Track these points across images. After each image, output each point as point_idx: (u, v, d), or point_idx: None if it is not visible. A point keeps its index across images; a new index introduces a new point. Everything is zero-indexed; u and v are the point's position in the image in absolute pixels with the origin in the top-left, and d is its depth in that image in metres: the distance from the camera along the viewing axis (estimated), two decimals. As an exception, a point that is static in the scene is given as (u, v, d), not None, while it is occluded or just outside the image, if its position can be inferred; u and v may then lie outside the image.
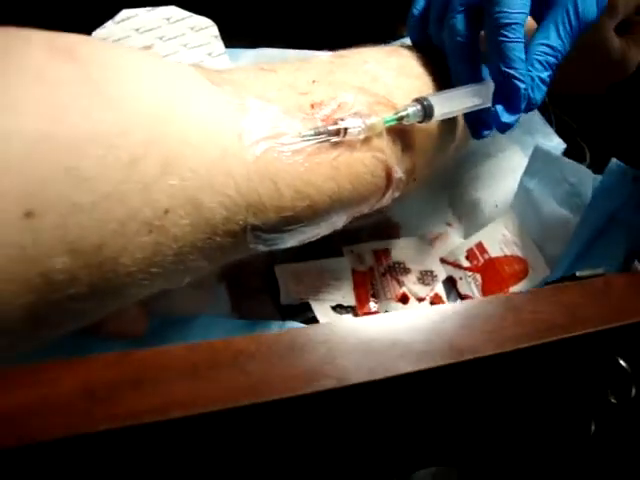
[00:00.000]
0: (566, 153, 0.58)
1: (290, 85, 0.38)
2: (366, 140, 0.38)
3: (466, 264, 0.53)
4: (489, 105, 0.42)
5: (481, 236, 0.53)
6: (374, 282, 0.51)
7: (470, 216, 0.56)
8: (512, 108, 0.42)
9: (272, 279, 0.49)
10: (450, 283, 0.53)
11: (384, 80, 0.42)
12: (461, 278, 0.52)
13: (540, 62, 0.42)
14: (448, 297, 0.52)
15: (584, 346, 0.31)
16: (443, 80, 0.45)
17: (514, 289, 0.50)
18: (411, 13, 0.48)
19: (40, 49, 0.28)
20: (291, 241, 0.38)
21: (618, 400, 0.32)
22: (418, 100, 0.39)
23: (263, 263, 0.50)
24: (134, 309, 0.40)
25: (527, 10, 0.41)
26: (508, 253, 0.52)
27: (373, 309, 0.49)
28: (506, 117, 0.42)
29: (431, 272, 0.52)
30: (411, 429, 0.34)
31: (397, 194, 0.43)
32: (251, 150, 0.33)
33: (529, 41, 0.43)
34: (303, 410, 0.25)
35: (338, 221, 0.40)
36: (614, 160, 0.47)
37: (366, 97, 0.40)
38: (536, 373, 0.33)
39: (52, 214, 0.25)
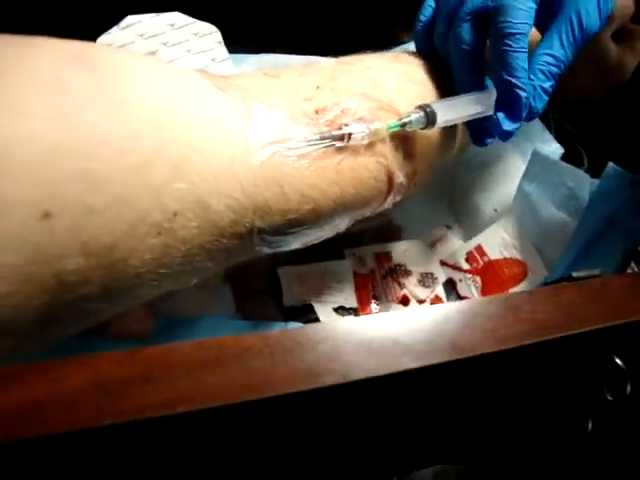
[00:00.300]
0: (564, 158, 0.58)
1: (294, 91, 0.39)
2: (369, 145, 0.39)
3: (466, 267, 0.54)
4: (491, 113, 0.43)
5: (481, 239, 0.54)
6: (375, 284, 0.52)
7: (470, 219, 0.57)
8: (513, 116, 0.43)
9: (275, 281, 0.50)
10: (450, 285, 0.54)
11: (386, 86, 0.43)
12: (461, 280, 0.53)
13: (543, 72, 0.43)
14: (448, 299, 0.53)
15: (581, 345, 0.32)
16: (445, 87, 0.46)
17: (513, 291, 0.51)
18: (418, 19, 0.49)
19: (53, 56, 0.29)
20: (295, 243, 0.39)
21: (614, 397, 0.33)
22: (421, 107, 0.40)
23: (266, 265, 0.50)
24: (140, 309, 0.40)
25: (531, 21, 0.42)
26: (507, 256, 0.53)
27: (374, 311, 0.50)
28: (507, 125, 0.43)
29: (431, 274, 0.53)
30: (412, 427, 0.35)
31: (398, 198, 0.43)
32: (257, 155, 0.34)
33: (533, 51, 0.44)
34: (308, 406, 0.26)
35: (341, 224, 0.41)
36: (611, 164, 0.47)
37: (369, 103, 0.40)
38: (535, 371, 0.34)
39: (67, 215, 0.26)
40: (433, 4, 0.49)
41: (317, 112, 0.38)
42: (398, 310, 0.49)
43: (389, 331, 0.27)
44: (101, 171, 0.27)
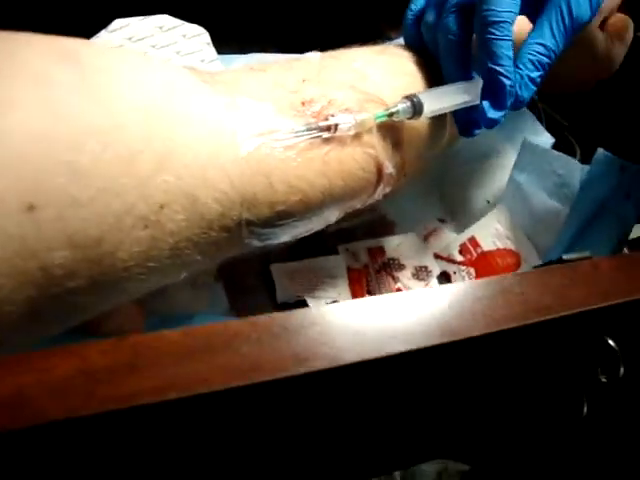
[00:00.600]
0: (555, 149, 0.58)
1: (280, 84, 0.39)
2: (357, 136, 0.39)
3: (460, 258, 0.54)
4: (478, 102, 0.43)
5: (474, 230, 0.54)
6: (369, 279, 0.52)
7: (462, 212, 0.57)
8: (498, 104, 0.43)
9: (268, 278, 0.50)
10: (444, 278, 0.54)
11: (373, 78, 0.43)
12: (455, 272, 0.53)
13: (532, 62, 0.43)
14: (443, 292, 0.53)
15: (573, 327, 0.32)
16: (433, 79, 0.46)
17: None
18: (409, 9, 0.49)
19: (38, 51, 0.29)
20: (284, 236, 0.39)
21: (608, 379, 0.33)
22: (408, 97, 0.40)
23: (259, 262, 0.50)
24: (131, 307, 0.40)
25: (516, 9, 0.42)
26: (501, 246, 0.53)
27: (369, 305, 0.50)
28: (492, 113, 0.43)
29: (425, 267, 0.53)
30: (407, 416, 0.35)
31: (388, 189, 0.43)
32: (244, 146, 0.34)
33: (523, 40, 0.44)
34: (297, 392, 0.26)
35: (330, 216, 0.41)
36: (601, 150, 0.47)
37: (356, 95, 0.40)
38: (527, 354, 0.34)
39: (52, 207, 0.26)
40: None
41: (304, 104, 0.38)
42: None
43: (378, 315, 0.27)
44: (86, 163, 0.27)
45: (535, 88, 0.44)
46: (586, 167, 0.49)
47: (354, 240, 0.54)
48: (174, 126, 0.31)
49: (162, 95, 0.32)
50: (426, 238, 0.56)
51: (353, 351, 0.25)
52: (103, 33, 0.54)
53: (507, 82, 0.42)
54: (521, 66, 0.43)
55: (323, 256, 0.52)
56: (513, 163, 0.55)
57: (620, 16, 0.54)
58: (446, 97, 0.42)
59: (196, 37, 0.58)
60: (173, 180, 0.31)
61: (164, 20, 0.57)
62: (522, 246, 0.52)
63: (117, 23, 0.55)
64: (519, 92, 0.43)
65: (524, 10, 0.44)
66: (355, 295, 0.50)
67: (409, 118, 0.40)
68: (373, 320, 0.27)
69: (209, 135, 0.33)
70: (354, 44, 0.47)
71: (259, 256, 0.50)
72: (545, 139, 0.59)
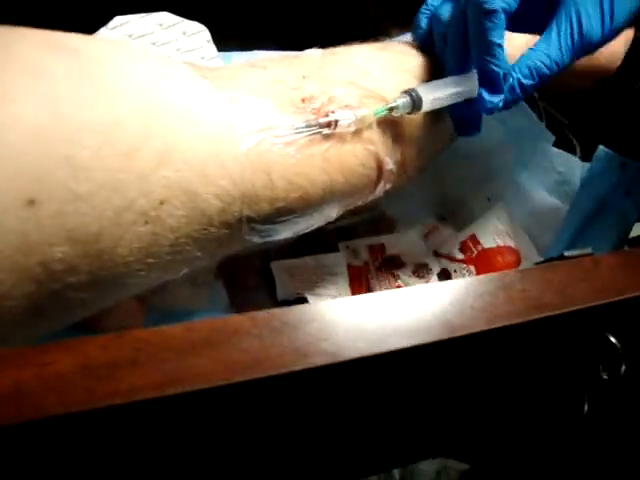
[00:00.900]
0: (556, 147, 0.58)
1: (281, 81, 0.39)
2: (357, 132, 0.39)
3: (460, 256, 0.53)
4: (475, 94, 0.43)
5: (474, 228, 0.54)
6: (369, 276, 0.52)
7: (463, 209, 0.57)
8: (494, 89, 0.42)
9: (268, 275, 0.50)
10: (444, 276, 0.54)
11: (374, 75, 0.43)
12: (455, 270, 0.53)
13: (529, 68, 0.42)
14: (443, 289, 0.53)
15: (574, 323, 0.32)
16: (434, 76, 0.46)
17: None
18: (425, 4, 0.49)
19: (36, 45, 0.29)
20: (285, 232, 0.39)
21: (610, 376, 0.33)
22: (407, 92, 0.40)
23: (259, 259, 0.50)
24: (131, 304, 0.40)
25: (512, 2, 0.41)
26: (501, 244, 0.52)
27: (369, 303, 0.50)
28: (489, 97, 0.42)
29: (426, 265, 0.53)
30: (408, 412, 0.35)
31: (389, 186, 0.43)
32: (244, 142, 0.34)
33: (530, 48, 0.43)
34: (298, 387, 0.26)
35: (331, 212, 0.41)
36: (601, 147, 0.47)
37: (356, 91, 0.40)
38: (528, 351, 0.34)
39: (53, 202, 0.26)
40: None
41: (304, 101, 0.38)
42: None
43: (378, 311, 0.27)
44: (86, 158, 0.27)
45: (521, 95, 0.43)
46: (586, 164, 0.49)
47: (354, 237, 0.54)
48: (174, 122, 0.31)
49: (162, 90, 0.32)
50: (426, 236, 0.56)
51: (353, 347, 0.25)
52: (103, 30, 0.54)
53: (499, 70, 0.42)
54: (516, 69, 0.43)
55: (323, 253, 0.52)
56: (513, 161, 0.55)
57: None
58: (444, 89, 0.42)
59: (196, 34, 0.58)
60: (173, 176, 0.31)
61: (164, 17, 0.57)
62: (522, 243, 0.52)
63: (117, 20, 0.55)
64: (512, 81, 0.43)
65: (531, 14, 0.44)
66: (355, 292, 0.50)
67: (409, 113, 0.40)
68: (374, 316, 0.27)
69: (209, 131, 0.33)
70: (355, 41, 0.47)
71: (259, 254, 0.50)
72: (545, 137, 0.59)
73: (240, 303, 0.48)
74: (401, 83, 0.44)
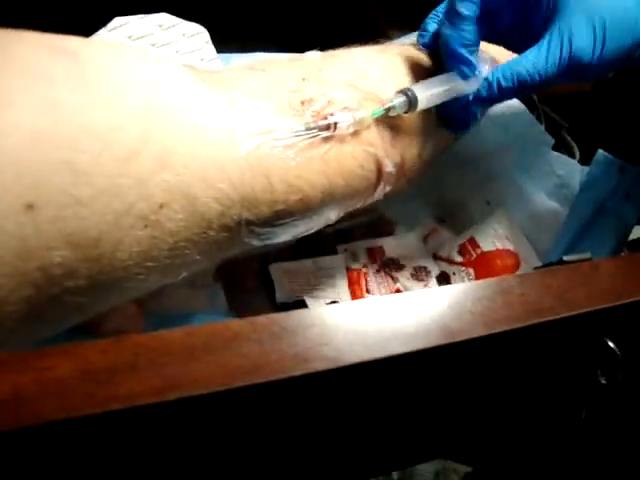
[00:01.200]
0: (555, 150, 0.58)
1: (280, 83, 0.39)
2: (356, 134, 0.39)
3: (459, 259, 0.53)
4: (469, 92, 0.43)
5: (473, 231, 0.54)
6: (368, 279, 0.52)
7: (462, 212, 0.57)
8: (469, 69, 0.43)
9: (267, 278, 0.50)
10: (443, 278, 0.54)
11: (373, 77, 0.43)
12: (454, 273, 0.53)
13: (511, 71, 0.43)
14: (442, 292, 0.53)
15: (573, 328, 0.32)
16: (431, 78, 0.46)
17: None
18: (435, 10, 0.49)
19: (35, 47, 0.29)
20: (284, 235, 0.39)
21: (608, 381, 0.33)
22: (402, 91, 0.40)
23: (258, 262, 0.50)
24: (131, 307, 0.40)
25: None
26: (500, 247, 0.53)
27: (368, 305, 0.50)
28: (464, 84, 0.43)
29: (424, 268, 0.53)
30: (407, 416, 0.35)
31: (388, 188, 0.43)
32: (243, 145, 0.34)
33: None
34: (298, 392, 0.26)
35: (331, 215, 0.41)
36: (600, 151, 0.47)
37: (355, 93, 0.40)
38: (527, 356, 0.34)
39: (52, 207, 0.26)
40: None
41: (303, 103, 0.38)
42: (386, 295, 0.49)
43: (378, 316, 0.27)
44: (85, 162, 0.27)
45: (497, 94, 0.43)
46: (586, 168, 0.49)
47: (353, 240, 0.54)
48: (173, 126, 0.31)
49: (161, 94, 0.32)
50: (425, 239, 0.56)
51: (353, 352, 0.25)
52: (102, 31, 0.54)
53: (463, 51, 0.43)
54: (499, 69, 0.43)
55: (322, 256, 0.52)
56: (513, 164, 0.55)
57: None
58: (439, 86, 0.42)
59: (195, 36, 0.58)
60: (173, 180, 0.30)
61: (163, 18, 0.57)
62: (521, 247, 0.52)
63: (116, 21, 0.55)
64: (481, 90, 0.43)
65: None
66: (354, 295, 0.50)
67: (406, 112, 0.40)
68: (373, 321, 0.27)
69: (208, 135, 0.33)
70: (355, 41, 0.47)
71: (258, 257, 0.50)
72: (545, 140, 0.59)
73: (239, 306, 0.48)
74: (400, 85, 0.44)
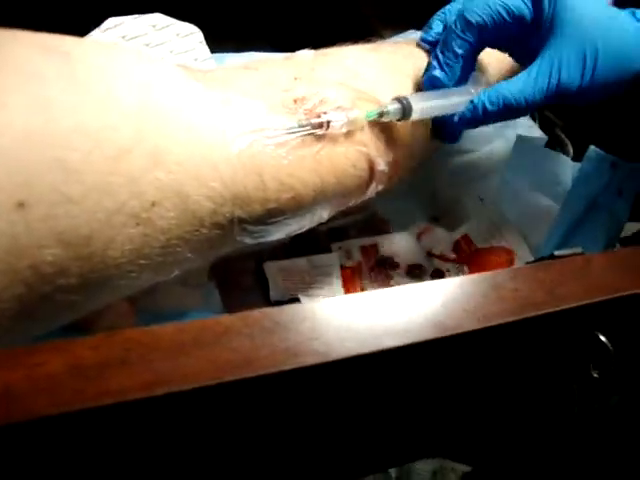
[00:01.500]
0: (548, 147, 0.59)
1: (273, 82, 0.39)
2: (349, 134, 0.39)
3: (453, 256, 0.54)
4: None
5: (467, 228, 0.54)
6: (362, 277, 0.52)
7: (455, 209, 0.57)
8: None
9: (262, 276, 0.50)
10: (438, 276, 0.54)
11: (365, 76, 0.43)
12: (449, 270, 0.53)
13: (497, 94, 0.43)
14: (437, 290, 0.53)
15: (565, 322, 0.32)
16: (424, 77, 0.46)
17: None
18: (441, 11, 0.50)
19: (26, 46, 0.29)
20: (277, 234, 0.39)
21: (600, 375, 0.33)
22: (398, 99, 0.40)
23: (253, 261, 0.50)
24: (123, 305, 0.40)
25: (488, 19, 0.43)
26: (494, 243, 0.53)
27: (362, 303, 0.50)
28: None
29: (419, 266, 0.53)
30: (401, 412, 0.35)
31: (380, 187, 0.43)
32: (235, 143, 0.34)
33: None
34: (289, 386, 0.26)
35: (323, 213, 0.41)
36: (592, 147, 0.48)
37: (348, 92, 0.40)
38: (519, 350, 0.34)
39: (43, 205, 0.26)
40: None
41: (296, 102, 0.38)
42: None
43: (370, 310, 0.27)
44: (77, 161, 0.27)
45: (482, 116, 0.44)
46: (578, 164, 0.49)
47: (347, 238, 0.54)
48: (166, 124, 0.31)
49: (154, 93, 0.32)
50: (419, 236, 0.56)
51: (345, 346, 0.25)
52: (96, 32, 0.54)
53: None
54: (486, 92, 0.43)
55: (316, 254, 0.52)
56: (505, 160, 0.55)
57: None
58: (435, 100, 0.43)
59: (189, 36, 0.58)
60: (165, 178, 0.31)
61: (157, 19, 0.57)
62: (515, 243, 0.52)
63: (110, 22, 0.55)
64: (466, 112, 0.44)
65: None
66: (348, 293, 0.50)
67: (398, 119, 0.41)
68: (365, 315, 0.27)
69: (201, 133, 0.33)
70: (349, 40, 0.47)
71: (252, 255, 0.50)
72: (538, 137, 0.59)
73: (233, 304, 0.48)
74: (392, 84, 0.44)
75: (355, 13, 0.77)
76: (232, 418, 0.27)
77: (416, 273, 0.53)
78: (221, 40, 0.58)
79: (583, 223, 0.47)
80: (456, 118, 0.44)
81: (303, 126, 0.36)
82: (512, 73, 0.54)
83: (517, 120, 0.60)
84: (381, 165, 0.41)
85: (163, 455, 0.26)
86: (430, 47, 0.48)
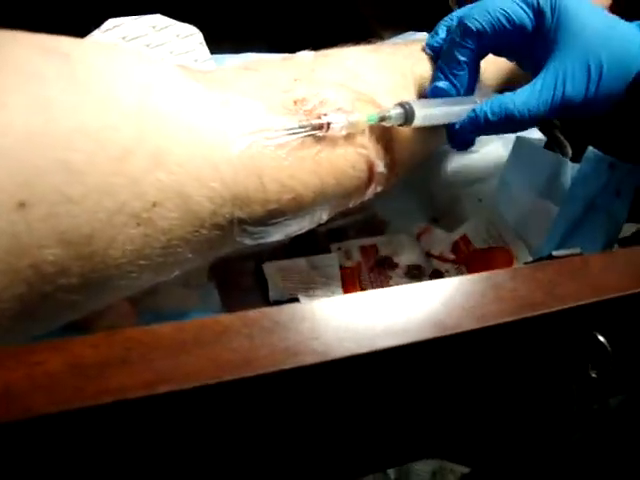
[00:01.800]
0: (547, 148, 0.59)
1: (272, 83, 0.39)
2: (348, 136, 0.39)
3: (452, 257, 0.54)
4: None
5: (465, 229, 0.54)
6: (362, 277, 0.52)
7: (454, 210, 0.57)
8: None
9: (261, 277, 0.50)
10: (437, 276, 0.54)
11: (365, 77, 0.43)
12: (447, 271, 0.53)
13: (500, 104, 0.43)
14: (435, 290, 0.53)
15: (563, 322, 0.32)
16: (424, 79, 0.47)
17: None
18: (449, 17, 0.50)
19: (29, 48, 0.29)
20: (277, 235, 0.39)
21: (598, 375, 0.33)
22: (401, 104, 0.41)
23: (252, 261, 0.50)
24: (124, 305, 0.40)
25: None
26: (493, 244, 0.53)
27: (361, 303, 0.50)
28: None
29: (418, 266, 0.53)
30: (400, 412, 0.35)
31: (379, 188, 0.44)
32: (236, 144, 0.34)
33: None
34: (289, 386, 0.26)
35: (322, 214, 0.41)
36: (591, 148, 0.48)
37: (348, 93, 0.41)
38: (517, 350, 0.34)
39: (44, 205, 0.26)
40: None
41: (296, 103, 0.38)
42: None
43: (369, 310, 0.27)
44: (79, 161, 0.27)
45: (483, 126, 0.44)
46: (576, 165, 0.49)
47: (347, 239, 0.54)
48: (167, 125, 0.31)
49: (154, 94, 0.32)
50: (418, 237, 0.56)
51: (344, 346, 0.25)
52: (96, 33, 0.54)
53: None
54: (488, 103, 0.43)
55: (316, 255, 0.52)
56: (504, 160, 0.56)
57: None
58: (438, 108, 0.43)
59: (189, 37, 0.59)
60: (166, 179, 0.31)
61: (157, 20, 0.57)
62: (514, 244, 0.52)
63: (110, 23, 0.55)
64: (467, 121, 0.44)
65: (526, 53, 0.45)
66: (348, 293, 0.51)
67: (400, 125, 0.41)
68: (364, 315, 0.27)
69: (202, 134, 0.33)
70: (348, 40, 0.47)
71: (252, 255, 0.50)
72: (537, 138, 0.59)
73: (233, 304, 0.48)
74: (392, 85, 0.44)
75: (354, 14, 0.77)
76: (232, 417, 0.27)
77: (415, 273, 0.53)
78: (221, 41, 0.59)
79: (582, 224, 0.47)
80: (457, 126, 0.44)
81: (303, 127, 0.37)
82: (512, 77, 0.54)
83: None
84: (380, 167, 0.41)
85: (163, 454, 0.26)
86: (434, 54, 0.48)
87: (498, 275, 0.31)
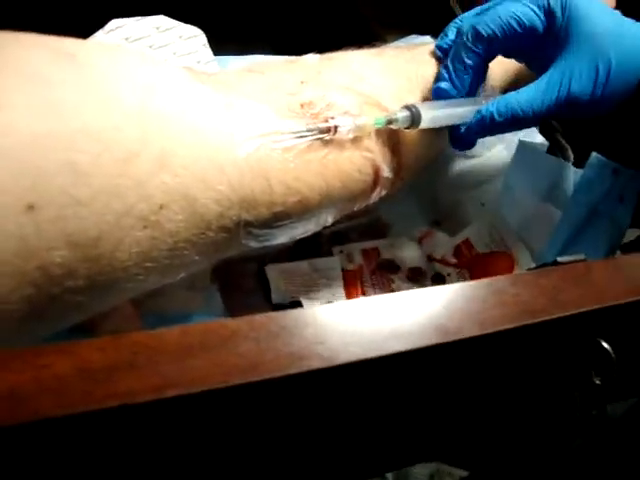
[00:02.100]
0: (549, 152, 0.59)
1: (278, 86, 0.39)
2: (355, 139, 0.39)
3: (454, 261, 0.54)
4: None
5: (468, 233, 0.54)
6: (364, 280, 0.52)
7: (457, 214, 0.57)
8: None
9: (263, 279, 0.50)
10: (438, 280, 0.54)
11: (370, 81, 0.44)
12: (449, 275, 0.53)
13: (506, 104, 0.43)
14: (437, 294, 0.53)
15: (566, 328, 0.32)
16: (428, 82, 0.47)
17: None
18: (458, 19, 0.50)
19: (33, 50, 0.29)
20: (282, 237, 0.39)
21: (602, 381, 0.33)
22: (408, 107, 0.41)
23: (255, 263, 0.50)
24: (128, 307, 0.40)
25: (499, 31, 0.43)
26: (495, 249, 0.53)
27: (364, 306, 0.50)
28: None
29: (419, 269, 0.53)
30: (402, 416, 0.35)
31: (384, 192, 0.44)
32: (242, 147, 0.34)
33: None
34: (294, 390, 0.26)
35: (328, 217, 0.41)
36: (594, 154, 0.48)
37: (354, 97, 0.41)
38: (521, 356, 0.34)
39: (52, 207, 0.26)
40: None
41: (302, 106, 0.38)
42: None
43: (373, 315, 0.27)
44: (85, 163, 0.27)
45: (489, 127, 0.44)
46: (580, 171, 0.49)
47: (349, 242, 0.54)
48: (172, 128, 0.31)
49: (160, 96, 0.32)
50: (420, 240, 0.56)
51: (348, 351, 0.26)
52: (100, 33, 0.54)
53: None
54: (494, 104, 0.43)
55: (318, 258, 0.52)
56: (507, 165, 0.56)
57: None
58: (444, 110, 0.43)
59: (192, 38, 0.59)
60: (172, 181, 0.31)
61: (161, 21, 0.57)
62: (516, 249, 0.52)
63: (113, 23, 0.55)
64: (473, 122, 0.44)
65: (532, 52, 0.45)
66: (350, 296, 0.51)
67: (407, 127, 0.41)
68: (368, 320, 0.27)
69: (207, 136, 0.33)
70: (350, 42, 0.47)
71: (254, 258, 0.50)
72: (540, 142, 0.59)
73: (235, 307, 0.48)
74: (397, 88, 0.44)
75: (356, 17, 0.77)
76: (238, 421, 0.27)
77: (417, 277, 0.53)
78: (224, 43, 0.59)
79: (585, 229, 0.48)
80: (463, 128, 0.44)
81: (311, 130, 0.37)
82: (519, 77, 0.54)
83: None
84: (386, 171, 0.42)
85: (170, 458, 0.26)
86: (442, 56, 0.48)
87: (501, 281, 0.31)
